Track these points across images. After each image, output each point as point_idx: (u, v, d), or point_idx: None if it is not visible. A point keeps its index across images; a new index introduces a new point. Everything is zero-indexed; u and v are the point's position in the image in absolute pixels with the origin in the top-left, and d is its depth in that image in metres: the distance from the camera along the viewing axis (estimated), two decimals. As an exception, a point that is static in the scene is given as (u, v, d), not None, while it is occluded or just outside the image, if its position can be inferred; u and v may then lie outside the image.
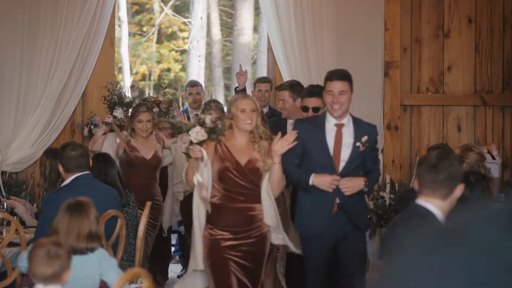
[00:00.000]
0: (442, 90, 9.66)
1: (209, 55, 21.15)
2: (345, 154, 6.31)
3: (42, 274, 4.19)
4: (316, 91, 7.18)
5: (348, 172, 6.27)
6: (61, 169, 6.16)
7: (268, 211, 6.08)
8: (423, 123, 9.67)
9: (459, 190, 4.33)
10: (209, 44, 21.03)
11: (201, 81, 21.89)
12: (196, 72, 20.02)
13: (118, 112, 8.47)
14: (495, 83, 9.67)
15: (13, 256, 6.07)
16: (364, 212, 6.54)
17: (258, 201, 6.09)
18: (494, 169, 8.91)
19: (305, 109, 7.29)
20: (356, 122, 6.41)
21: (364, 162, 6.37)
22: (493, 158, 9.20)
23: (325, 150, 6.30)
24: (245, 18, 20.58)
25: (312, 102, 7.25)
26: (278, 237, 6.18)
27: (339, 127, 6.34)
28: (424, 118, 9.66)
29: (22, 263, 5.00)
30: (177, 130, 6.03)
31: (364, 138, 6.27)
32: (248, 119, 6.09)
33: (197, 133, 5.92)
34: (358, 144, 6.28)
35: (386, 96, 9.58)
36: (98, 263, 4.99)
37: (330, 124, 6.35)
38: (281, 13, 9.31)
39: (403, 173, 9.60)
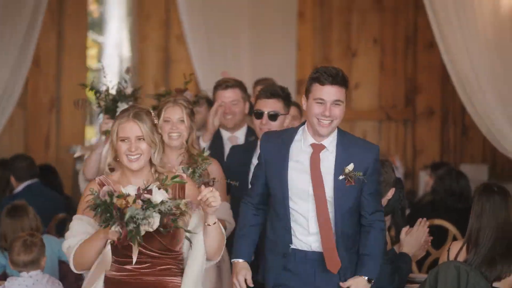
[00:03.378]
0: (349, 106, 10.38)
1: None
2: (328, 190, 4.30)
3: (23, 261, 4.72)
4: (278, 91, 5.34)
5: (340, 222, 4.30)
6: (13, 179, 6.72)
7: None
8: (333, 137, 10.33)
9: (390, 193, 4.99)
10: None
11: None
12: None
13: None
14: (398, 99, 10.44)
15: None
16: None
17: (177, 273, 3.99)
18: (397, 178, 9.65)
19: (258, 115, 5.30)
20: (345, 142, 4.36)
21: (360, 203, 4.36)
22: (396, 168, 9.93)
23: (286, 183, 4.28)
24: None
25: (269, 104, 5.30)
26: None
27: (317, 149, 4.33)
28: (333, 132, 10.32)
29: None
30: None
31: (349, 168, 4.27)
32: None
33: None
34: (341, 177, 4.28)
35: (297, 113, 10.24)
36: (57, 250, 5.46)
37: (306, 143, 4.35)
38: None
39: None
